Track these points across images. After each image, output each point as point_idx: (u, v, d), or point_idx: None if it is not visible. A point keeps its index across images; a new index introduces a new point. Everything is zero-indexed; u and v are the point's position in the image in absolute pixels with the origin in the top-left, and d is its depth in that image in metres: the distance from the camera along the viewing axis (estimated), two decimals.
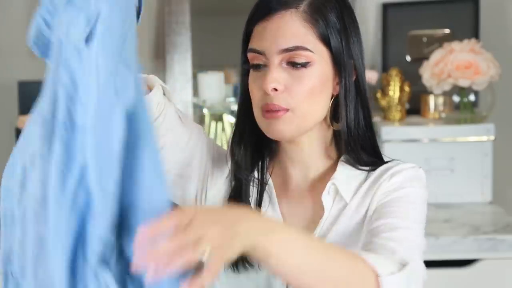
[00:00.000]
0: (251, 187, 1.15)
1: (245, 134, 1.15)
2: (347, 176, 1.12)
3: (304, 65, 1.06)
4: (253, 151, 1.15)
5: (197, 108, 2.32)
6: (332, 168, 1.14)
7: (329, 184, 1.11)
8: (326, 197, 1.11)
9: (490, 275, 1.89)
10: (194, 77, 2.31)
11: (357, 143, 1.11)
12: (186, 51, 2.33)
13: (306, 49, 1.05)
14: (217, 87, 2.22)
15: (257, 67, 1.08)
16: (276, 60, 1.06)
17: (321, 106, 1.09)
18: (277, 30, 1.06)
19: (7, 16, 2.35)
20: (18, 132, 2.02)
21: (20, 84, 2.25)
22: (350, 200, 1.11)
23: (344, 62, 1.09)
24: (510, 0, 2.41)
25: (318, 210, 1.12)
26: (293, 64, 1.06)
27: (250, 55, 1.09)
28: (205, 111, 2.27)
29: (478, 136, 2.11)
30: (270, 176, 1.16)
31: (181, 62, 2.33)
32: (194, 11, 2.33)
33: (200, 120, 2.30)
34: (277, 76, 1.05)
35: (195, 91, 2.31)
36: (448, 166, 2.12)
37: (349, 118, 1.10)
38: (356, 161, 1.12)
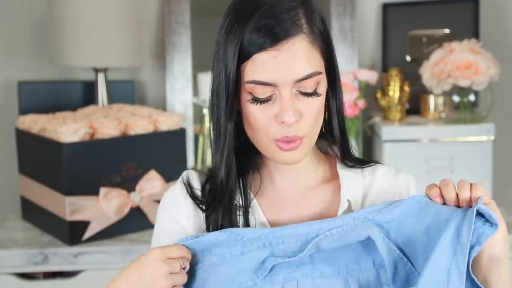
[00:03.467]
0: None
1: (231, 154, 1.07)
2: (351, 184, 1.11)
3: (316, 90, 1.03)
4: (237, 169, 1.09)
5: (197, 108, 2.32)
6: (328, 174, 1.13)
7: (343, 200, 1.09)
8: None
9: None
10: (194, 77, 2.31)
11: (347, 143, 1.12)
12: (186, 51, 2.33)
13: (319, 73, 1.02)
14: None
15: (264, 100, 1.02)
16: (289, 90, 1.01)
17: (321, 120, 1.07)
18: (291, 60, 1.00)
19: (7, 16, 2.34)
20: (18, 132, 2.02)
21: (20, 84, 2.25)
22: None
23: (335, 67, 1.08)
24: (510, 0, 2.41)
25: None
26: (307, 94, 1.02)
27: (254, 87, 1.01)
28: (205, 111, 2.26)
29: (478, 136, 2.11)
30: (255, 195, 1.10)
31: (181, 62, 2.33)
32: (194, 11, 2.33)
33: (200, 120, 2.30)
34: (296, 107, 1.01)
35: (195, 91, 2.31)
36: (448, 166, 2.12)
37: (340, 120, 1.10)
38: (348, 160, 1.12)
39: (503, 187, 2.39)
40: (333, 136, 1.11)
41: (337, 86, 1.09)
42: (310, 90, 1.02)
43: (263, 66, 1.01)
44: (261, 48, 1.00)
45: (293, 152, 1.03)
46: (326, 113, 1.09)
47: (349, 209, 1.09)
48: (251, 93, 1.02)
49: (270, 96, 1.02)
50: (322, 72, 1.03)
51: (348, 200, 1.09)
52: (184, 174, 1.15)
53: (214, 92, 1.07)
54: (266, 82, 1.01)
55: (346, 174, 1.11)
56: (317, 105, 1.03)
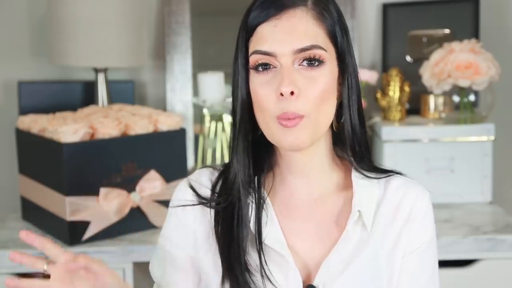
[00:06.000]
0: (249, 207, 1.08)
1: (247, 147, 1.07)
2: (365, 194, 1.08)
3: (319, 65, 1.01)
4: (253, 165, 1.08)
5: (197, 108, 2.32)
6: (342, 182, 1.11)
7: (354, 210, 1.06)
8: (352, 226, 1.06)
9: (490, 275, 1.89)
10: (194, 77, 2.31)
11: (361, 146, 1.09)
12: (186, 51, 2.33)
13: (321, 48, 1.01)
14: (217, 87, 2.21)
15: (264, 69, 1.02)
16: (289, 61, 1.01)
17: (332, 109, 1.05)
18: (290, 29, 1.00)
19: (7, 16, 2.34)
20: (18, 132, 2.02)
21: (20, 84, 2.24)
22: (371, 228, 1.08)
23: (347, 60, 1.06)
24: (510, 0, 2.41)
25: (331, 233, 1.08)
26: (308, 64, 1.01)
27: (255, 57, 1.02)
28: (205, 111, 2.26)
29: (478, 136, 2.11)
30: (268, 193, 1.10)
31: (181, 62, 2.33)
32: (194, 11, 2.33)
33: (200, 120, 2.30)
34: (293, 79, 1.00)
35: (195, 91, 2.31)
36: (448, 166, 2.12)
37: (353, 119, 1.07)
38: (364, 168, 1.09)
39: (503, 187, 2.39)
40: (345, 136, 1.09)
41: (349, 81, 1.07)
42: (312, 62, 1.01)
43: (263, 36, 1.01)
44: (263, 19, 1.02)
45: (294, 131, 1.01)
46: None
47: (360, 220, 1.08)
48: (253, 65, 1.03)
49: (270, 66, 1.02)
50: (325, 50, 1.02)
51: (358, 211, 1.07)
52: (196, 173, 1.15)
53: (232, 86, 1.08)
54: (265, 51, 1.01)
55: (361, 183, 1.09)
56: (320, 84, 1.02)
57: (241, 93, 1.05)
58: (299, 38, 1.00)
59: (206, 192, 1.12)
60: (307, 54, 1.01)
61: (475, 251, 1.86)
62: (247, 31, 1.04)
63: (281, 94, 1.00)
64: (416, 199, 1.10)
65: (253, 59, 1.03)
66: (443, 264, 1.88)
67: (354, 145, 1.08)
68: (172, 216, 1.14)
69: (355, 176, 1.10)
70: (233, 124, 1.08)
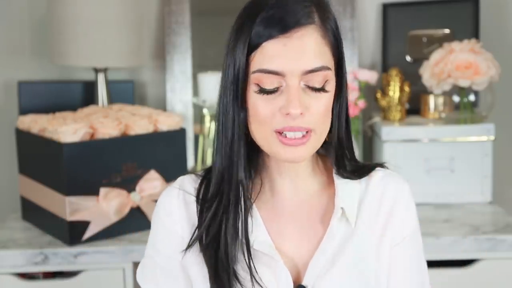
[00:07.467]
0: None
1: (240, 157, 1.05)
2: (347, 191, 1.09)
3: (324, 86, 1.01)
4: (243, 172, 1.06)
5: (197, 108, 2.32)
6: (325, 181, 1.11)
7: (337, 208, 1.07)
8: (336, 223, 1.07)
9: (490, 275, 1.89)
10: (194, 77, 2.31)
11: (344, 151, 1.09)
12: (186, 51, 2.33)
13: (328, 69, 1.00)
14: (217, 87, 2.21)
15: (270, 91, 1.00)
16: (297, 81, 0.99)
17: (330, 120, 1.05)
18: (300, 49, 0.98)
19: (7, 16, 2.34)
20: (18, 132, 2.02)
21: (20, 84, 2.25)
22: (355, 223, 1.08)
23: (343, 72, 1.06)
24: (510, 0, 2.41)
25: (317, 231, 1.09)
26: (315, 89, 1.00)
27: (259, 75, 1.00)
28: (205, 111, 2.26)
29: (478, 136, 2.11)
30: (255, 198, 1.08)
31: (181, 62, 2.33)
32: (194, 11, 2.33)
33: (200, 120, 2.30)
34: (302, 100, 0.99)
35: (195, 91, 2.31)
36: (448, 166, 2.12)
37: (340, 127, 1.08)
38: (345, 171, 1.09)
39: (503, 187, 2.39)
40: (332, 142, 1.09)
41: (343, 92, 1.07)
42: (318, 85, 1.00)
43: (271, 55, 0.98)
44: (270, 36, 0.98)
45: (298, 148, 1.00)
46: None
47: (343, 217, 1.08)
48: (257, 84, 1.01)
49: (277, 88, 1.00)
50: (331, 69, 1.01)
51: (342, 208, 1.08)
52: (179, 180, 1.13)
53: (223, 88, 1.07)
54: (273, 70, 0.98)
55: (342, 181, 1.10)
56: (324, 101, 1.01)
57: (237, 97, 1.04)
58: (310, 59, 0.98)
59: (191, 199, 1.10)
60: (315, 75, 0.99)
61: (475, 251, 1.86)
62: (251, 45, 1.00)
63: (287, 114, 0.99)
64: (396, 190, 1.11)
65: (259, 79, 1.00)
66: (443, 264, 1.88)
67: (339, 151, 1.09)
68: (158, 225, 1.12)
69: (336, 176, 1.11)
70: (222, 127, 1.06)
